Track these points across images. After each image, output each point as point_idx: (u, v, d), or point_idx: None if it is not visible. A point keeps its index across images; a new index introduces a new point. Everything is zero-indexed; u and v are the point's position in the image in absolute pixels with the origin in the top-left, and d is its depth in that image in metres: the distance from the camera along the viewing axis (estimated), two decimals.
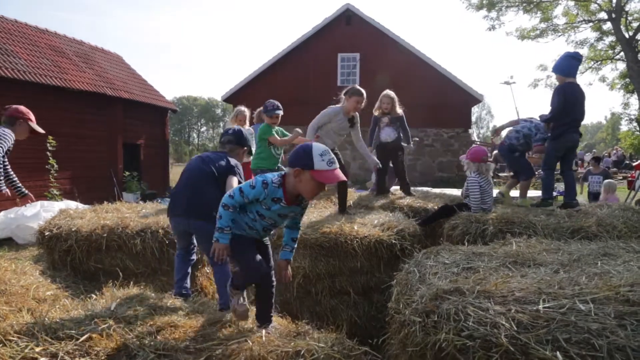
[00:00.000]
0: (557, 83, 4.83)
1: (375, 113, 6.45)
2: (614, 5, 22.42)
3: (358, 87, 5.03)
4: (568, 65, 4.69)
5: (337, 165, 2.48)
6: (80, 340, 2.12)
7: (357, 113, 5.11)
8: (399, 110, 6.36)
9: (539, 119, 5.32)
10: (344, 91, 5.08)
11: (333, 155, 2.45)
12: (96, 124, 15.44)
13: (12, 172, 4.44)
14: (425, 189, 7.79)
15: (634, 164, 15.35)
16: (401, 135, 6.38)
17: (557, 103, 4.55)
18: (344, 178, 2.51)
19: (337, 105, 5.09)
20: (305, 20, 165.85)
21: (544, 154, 5.05)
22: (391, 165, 6.53)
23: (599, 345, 1.63)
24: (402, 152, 6.46)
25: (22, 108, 4.20)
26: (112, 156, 16.00)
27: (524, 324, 1.77)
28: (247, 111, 6.33)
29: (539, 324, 1.76)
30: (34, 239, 4.87)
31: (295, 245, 2.72)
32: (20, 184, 4.49)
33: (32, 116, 4.23)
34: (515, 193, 5.88)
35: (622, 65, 24.94)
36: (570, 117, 4.57)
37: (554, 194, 11.13)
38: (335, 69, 18.95)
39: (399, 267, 2.92)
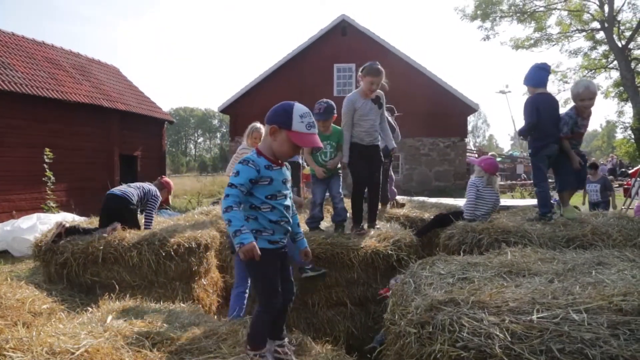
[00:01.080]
0: (529, 94, 4.79)
1: None
2: (606, 15, 22.68)
3: (375, 65, 4.41)
4: (538, 77, 4.64)
5: (316, 130, 2.38)
6: (77, 354, 2.11)
7: (382, 92, 4.58)
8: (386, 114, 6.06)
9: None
10: (360, 68, 4.50)
11: (313, 119, 2.36)
12: (93, 136, 15.46)
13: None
14: (421, 198, 7.82)
15: (630, 171, 15.42)
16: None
17: (530, 115, 4.48)
18: (320, 144, 2.40)
19: (351, 93, 4.60)
20: (302, 31, 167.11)
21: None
22: (391, 173, 6.48)
23: (592, 355, 1.64)
24: (389, 161, 6.14)
25: (170, 182, 5.63)
26: (108, 168, 16.01)
27: (518, 334, 1.78)
28: (262, 128, 5.93)
29: (532, 335, 1.77)
30: (30, 252, 4.86)
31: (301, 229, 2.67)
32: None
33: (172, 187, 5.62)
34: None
35: (615, 74, 25.19)
36: (549, 129, 4.50)
37: (552, 202, 11.16)
38: (331, 79, 19.08)
39: (395, 278, 2.93)
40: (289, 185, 2.50)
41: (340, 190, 4.84)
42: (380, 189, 4.89)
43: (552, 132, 4.52)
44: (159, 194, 5.16)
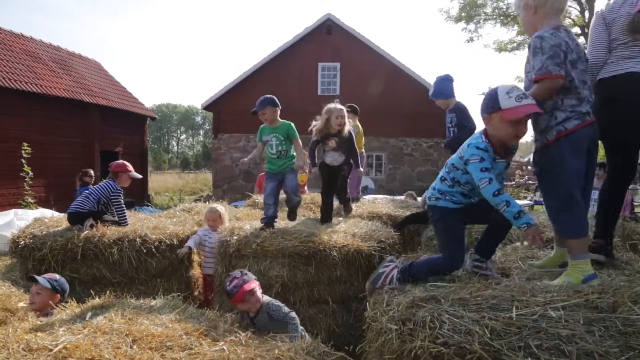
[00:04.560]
0: (443, 107, 4.90)
1: (316, 132, 4.97)
2: (587, 20, 23.12)
3: None
4: (449, 88, 4.78)
5: (530, 100, 2.35)
6: (54, 351, 2.08)
7: None
8: (347, 130, 4.99)
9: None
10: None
11: (523, 90, 2.37)
12: (72, 131, 15.21)
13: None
14: (419, 199, 7.88)
15: None
16: (349, 158, 5.13)
17: (469, 120, 4.68)
18: (538, 110, 2.36)
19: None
20: (287, 29, 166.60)
21: None
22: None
23: (569, 351, 1.68)
24: (348, 167, 5.23)
25: (121, 162, 5.05)
26: (88, 164, 15.73)
27: (497, 331, 1.81)
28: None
29: (511, 331, 1.80)
30: (7, 248, 4.76)
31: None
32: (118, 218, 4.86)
33: (130, 167, 5.03)
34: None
35: None
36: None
37: (531, 203, 11.30)
38: (315, 78, 19.04)
39: None
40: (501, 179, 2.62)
41: (296, 184, 4.70)
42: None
43: None
44: (117, 185, 4.84)
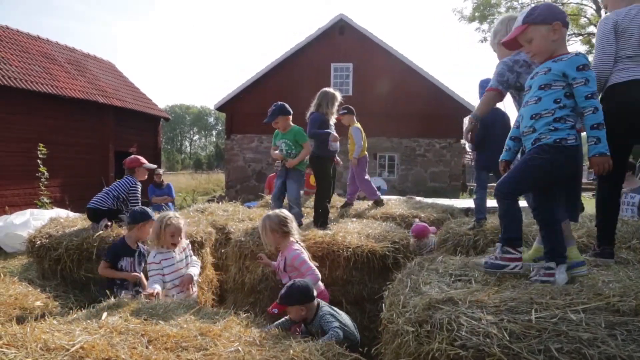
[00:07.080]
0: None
1: (328, 115, 5.00)
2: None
3: None
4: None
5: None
6: (71, 350, 2.09)
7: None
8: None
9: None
10: None
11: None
12: (87, 132, 15.39)
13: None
14: (417, 198, 7.85)
15: None
16: None
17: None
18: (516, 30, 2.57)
19: None
20: (299, 29, 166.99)
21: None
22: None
23: (590, 355, 1.64)
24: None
25: (134, 157, 5.10)
26: (103, 164, 15.93)
27: (517, 333, 1.78)
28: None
29: (531, 334, 1.77)
30: (23, 248, 4.82)
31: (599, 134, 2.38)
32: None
33: (143, 160, 5.10)
34: None
35: None
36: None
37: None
38: (328, 78, 19.03)
39: (392, 277, 2.92)
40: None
41: (297, 194, 4.87)
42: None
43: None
44: (134, 180, 4.91)
